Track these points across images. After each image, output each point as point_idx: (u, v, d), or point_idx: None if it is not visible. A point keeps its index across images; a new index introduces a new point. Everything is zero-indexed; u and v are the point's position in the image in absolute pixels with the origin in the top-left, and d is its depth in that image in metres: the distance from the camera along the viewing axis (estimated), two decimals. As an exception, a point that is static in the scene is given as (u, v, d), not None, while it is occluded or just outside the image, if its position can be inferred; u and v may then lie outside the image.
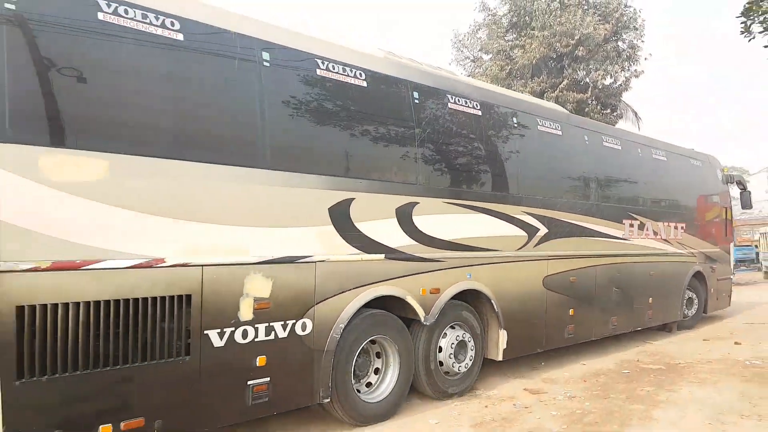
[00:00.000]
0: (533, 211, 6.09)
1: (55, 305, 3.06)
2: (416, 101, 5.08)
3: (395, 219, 4.81)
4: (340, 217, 4.40)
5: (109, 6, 3.35)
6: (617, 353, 7.39)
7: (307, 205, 4.22)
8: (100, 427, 3.23)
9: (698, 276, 9.15)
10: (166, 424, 3.46)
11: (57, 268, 3.07)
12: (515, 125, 6.05)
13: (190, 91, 3.75)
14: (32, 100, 3.08)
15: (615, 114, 20.04)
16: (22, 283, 2.96)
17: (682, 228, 8.69)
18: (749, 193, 10.30)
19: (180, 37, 3.65)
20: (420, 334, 5.05)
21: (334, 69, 4.50)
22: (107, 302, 3.23)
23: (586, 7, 19.00)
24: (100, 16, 3.32)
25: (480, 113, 5.64)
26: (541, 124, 6.35)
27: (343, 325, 4.34)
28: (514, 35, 20.36)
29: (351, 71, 4.61)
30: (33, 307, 2.99)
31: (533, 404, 5.16)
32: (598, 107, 19.21)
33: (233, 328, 3.79)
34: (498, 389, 5.72)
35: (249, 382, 3.87)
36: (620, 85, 19.46)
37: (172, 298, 3.49)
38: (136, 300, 3.34)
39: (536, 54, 18.63)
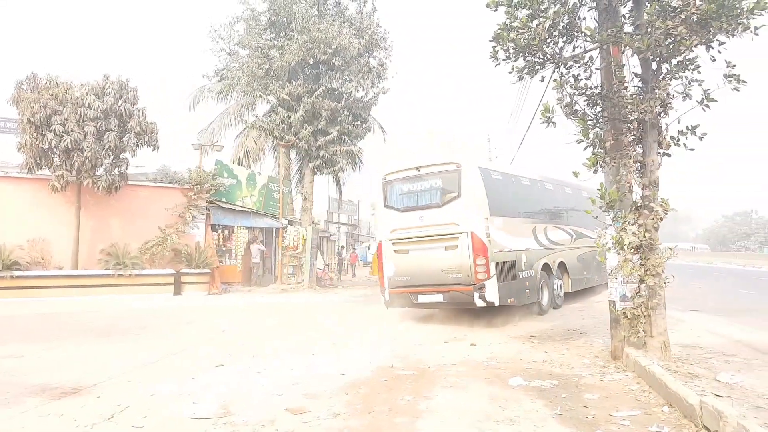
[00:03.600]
0: (572, 228, 14.00)
1: (501, 262, 10.39)
2: (549, 189, 13.60)
3: (544, 233, 12.52)
4: (534, 233, 12.10)
5: (493, 173, 11.38)
6: (374, 360, 7.28)
7: (527, 229, 11.93)
8: (509, 299, 10.47)
9: None
10: (515, 301, 10.69)
11: (499, 251, 10.47)
12: (566, 192, 14.28)
13: (514, 197, 11.98)
14: (491, 201, 10.52)
15: (365, 126, 20.95)
16: (496, 255, 10.27)
17: None
18: None
19: (527, 179, 12.96)
20: (551, 280, 12.43)
21: (530, 182, 12.94)
22: (502, 262, 10.42)
23: (342, 20, 19.50)
24: (493, 175, 11.26)
25: (552, 188, 13.85)
26: (566, 191, 14.37)
27: (539, 273, 11.73)
28: (273, 34, 19.88)
29: (527, 180, 12.84)
30: (497, 263, 10.24)
31: (296, 428, 4.54)
32: (350, 118, 19.82)
33: (523, 271, 11.12)
34: (255, 411, 4.97)
35: (525, 290, 11.12)
36: (370, 99, 20.41)
37: (510, 261, 10.72)
38: (506, 261, 10.57)
39: (295, 57, 18.43)
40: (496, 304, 10.15)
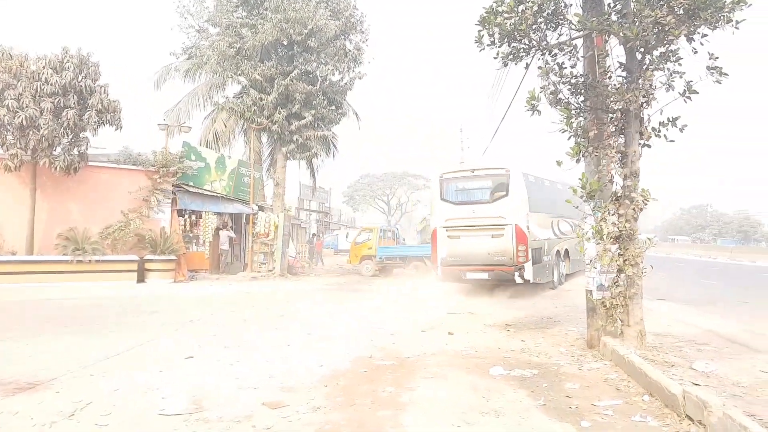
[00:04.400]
0: (572, 221, 15.13)
1: (534, 249, 13.39)
2: (560, 189, 14.79)
3: (557, 226, 15.45)
4: (551, 226, 15.15)
5: (530, 177, 14.21)
6: (352, 350, 7.12)
7: (548, 222, 14.97)
8: (537, 278, 13.62)
9: None
10: (540, 279, 13.83)
11: (533, 240, 13.48)
12: (564, 190, 11.99)
13: (542, 196, 14.53)
14: (530, 201, 13.51)
15: (340, 112, 20.61)
16: (531, 243, 13.23)
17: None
18: None
19: (548, 181, 15.89)
20: (559, 263, 15.41)
21: (550, 184, 15.69)
22: (534, 249, 13.39)
23: (318, 0, 19.07)
24: (530, 179, 14.16)
25: (561, 188, 14.32)
26: (566, 189, 14.96)
27: (554, 258, 14.95)
28: (245, 12, 19.28)
29: (548, 182, 15.61)
30: (532, 249, 13.22)
31: (275, 424, 4.36)
32: (325, 102, 19.45)
33: (546, 256, 14.29)
34: (229, 406, 4.76)
35: (546, 271, 14.28)
36: (346, 83, 20.05)
37: (539, 248, 13.74)
38: (536, 248, 13.58)
39: (268, 36, 17.92)
40: (531, 281, 13.15)
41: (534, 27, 6.94)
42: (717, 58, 6.06)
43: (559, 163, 6.76)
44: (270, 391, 5.27)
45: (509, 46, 7.19)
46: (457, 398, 5.08)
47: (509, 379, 5.77)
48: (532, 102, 6.74)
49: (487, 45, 7.31)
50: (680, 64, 6.45)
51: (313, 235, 34.61)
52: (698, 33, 6.16)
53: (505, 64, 7.30)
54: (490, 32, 7.12)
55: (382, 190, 75.16)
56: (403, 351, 7.17)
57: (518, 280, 13.01)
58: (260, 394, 5.13)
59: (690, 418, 4.29)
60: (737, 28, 6.02)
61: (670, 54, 6.38)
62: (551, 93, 6.89)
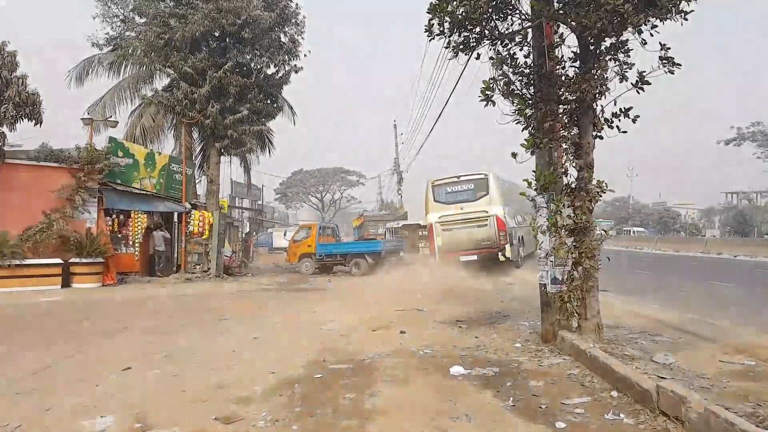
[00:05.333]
0: (524, 213, 18.78)
1: (509, 234, 17.94)
2: (516, 187, 11.16)
3: (517, 216, 20.74)
4: (514, 217, 19.87)
5: (500, 179, 19.01)
6: (303, 353, 6.72)
7: (513, 214, 19.94)
8: (512, 257, 18.25)
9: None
10: (512, 257, 18.01)
11: (508, 227, 18.30)
12: (518, 187, 12.03)
13: (508, 193, 18.45)
14: (503, 197, 18.32)
15: (276, 105, 19.97)
16: (507, 230, 17.92)
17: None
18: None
19: (509, 182, 19.23)
20: (521, 244, 20.17)
21: (507, 184, 19.55)
22: (509, 234, 17.83)
23: (252, -10, 18.33)
24: (499, 181, 19.00)
25: (515, 187, 12.64)
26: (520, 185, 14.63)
27: (517, 241, 19.15)
28: (173, 2, 18.27)
29: (509, 183, 19.27)
30: (508, 234, 17.94)
31: (231, 442, 3.94)
32: (261, 96, 18.77)
33: (514, 240, 18.82)
34: (179, 422, 4.30)
35: (515, 252, 18.55)
36: (282, 76, 19.45)
37: (510, 234, 18.07)
38: (509, 234, 18.04)
39: (199, 27, 17.05)
40: (511, 259, 17.37)
41: (486, 16, 6.78)
42: (669, 48, 6.10)
43: (514, 155, 6.65)
44: (221, 403, 4.82)
45: (460, 35, 7.00)
46: (423, 402, 4.82)
47: (472, 379, 5.57)
48: (487, 93, 6.58)
49: (437, 35, 7.10)
50: (629, 56, 6.48)
51: (248, 233, 33.60)
52: (647, 23, 6.18)
53: (456, 54, 7.11)
54: (441, 21, 6.91)
55: (315, 186, 74.30)
56: (357, 353, 6.83)
57: (501, 258, 17.13)
58: (211, 408, 4.68)
59: (665, 414, 4.19)
60: (686, 19, 6.08)
61: (620, 45, 6.39)
62: (505, 84, 6.76)
